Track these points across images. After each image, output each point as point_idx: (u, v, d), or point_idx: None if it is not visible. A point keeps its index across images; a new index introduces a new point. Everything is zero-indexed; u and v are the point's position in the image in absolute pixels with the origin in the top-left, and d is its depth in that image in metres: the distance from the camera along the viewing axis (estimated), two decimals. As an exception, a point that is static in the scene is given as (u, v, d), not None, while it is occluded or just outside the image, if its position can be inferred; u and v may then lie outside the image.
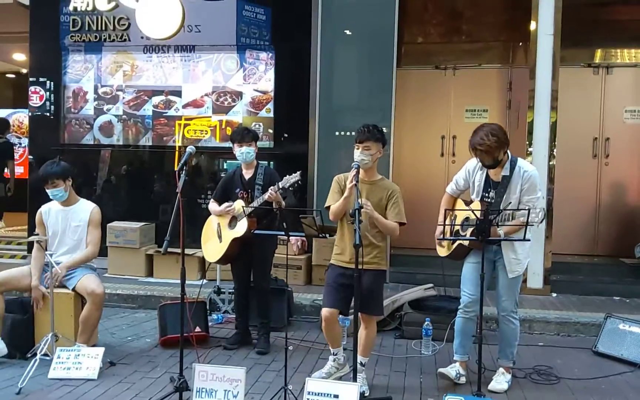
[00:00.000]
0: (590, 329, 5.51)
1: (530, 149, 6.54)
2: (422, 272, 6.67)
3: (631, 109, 7.78)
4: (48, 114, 8.07)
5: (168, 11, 7.33)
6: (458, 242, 4.13)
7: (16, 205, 11.59)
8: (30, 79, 8.13)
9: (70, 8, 7.81)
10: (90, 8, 7.76)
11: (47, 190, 4.74)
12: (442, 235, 4.20)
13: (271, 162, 6.99)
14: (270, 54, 7.44)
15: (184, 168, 3.93)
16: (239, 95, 7.55)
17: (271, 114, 7.45)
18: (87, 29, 7.80)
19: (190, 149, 4.12)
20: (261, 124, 7.40)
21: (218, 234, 4.93)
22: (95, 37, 7.79)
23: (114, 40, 7.76)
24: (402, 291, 5.84)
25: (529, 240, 3.87)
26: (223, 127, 7.56)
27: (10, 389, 3.99)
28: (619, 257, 7.54)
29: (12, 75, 13.40)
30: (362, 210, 3.62)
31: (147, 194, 7.89)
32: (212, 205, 5.03)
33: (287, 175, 4.55)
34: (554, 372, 4.53)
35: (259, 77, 7.49)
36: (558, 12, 6.41)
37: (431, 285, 5.84)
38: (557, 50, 6.45)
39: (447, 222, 4.15)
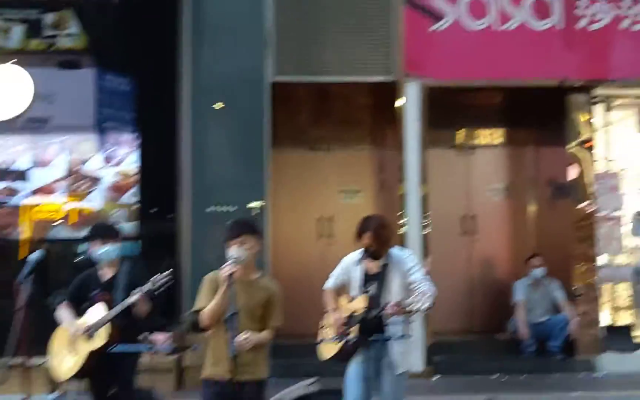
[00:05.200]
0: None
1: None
2: (308, 363, 6.24)
3: (494, 188, 8.24)
4: None
5: (15, 87, 6.73)
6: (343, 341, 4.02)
7: None
8: None
9: None
10: None
11: None
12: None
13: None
14: (135, 131, 7.13)
15: (29, 277, 3.35)
16: (96, 180, 7.16)
17: (136, 198, 7.12)
18: None
19: (38, 253, 3.61)
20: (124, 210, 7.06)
21: (72, 345, 4.24)
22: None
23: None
24: (283, 390, 5.42)
25: (411, 336, 3.91)
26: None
27: None
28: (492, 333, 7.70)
29: None
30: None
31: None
32: (63, 313, 4.30)
33: (157, 275, 4.10)
34: None
35: (121, 158, 7.19)
36: (424, 98, 6.97)
37: (314, 379, 5.49)
38: (424, 133, 6.96)
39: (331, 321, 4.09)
